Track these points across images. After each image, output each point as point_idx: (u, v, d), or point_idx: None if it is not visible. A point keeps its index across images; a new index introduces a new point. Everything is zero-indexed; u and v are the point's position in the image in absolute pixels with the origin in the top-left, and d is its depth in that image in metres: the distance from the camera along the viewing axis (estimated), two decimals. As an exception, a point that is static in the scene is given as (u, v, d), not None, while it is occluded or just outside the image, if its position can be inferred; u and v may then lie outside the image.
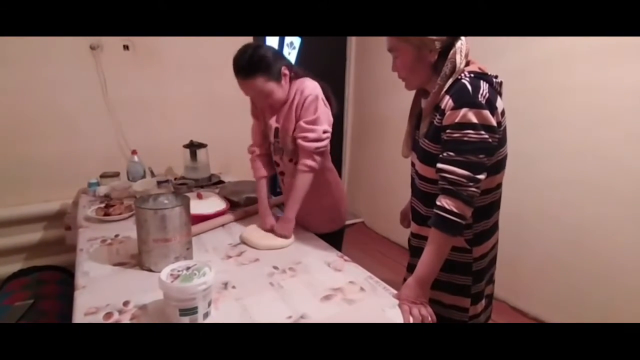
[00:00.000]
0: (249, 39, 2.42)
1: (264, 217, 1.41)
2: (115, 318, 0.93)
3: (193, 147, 2.05)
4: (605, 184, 1.72)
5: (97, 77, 2.06)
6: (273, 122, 1.38)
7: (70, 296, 1.03)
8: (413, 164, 1.11)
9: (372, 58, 2.87)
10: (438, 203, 0.93)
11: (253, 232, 1.38)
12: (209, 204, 1.60)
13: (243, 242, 1.34)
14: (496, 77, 0.99)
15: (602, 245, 1.76)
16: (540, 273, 2.03)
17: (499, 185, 1.04)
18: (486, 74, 0.97)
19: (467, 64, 0.98)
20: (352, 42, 3.04)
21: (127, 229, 1.41)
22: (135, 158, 2.00)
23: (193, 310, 0.88)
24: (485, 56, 2.11)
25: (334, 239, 1.44)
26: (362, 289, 1.07)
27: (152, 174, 2.07)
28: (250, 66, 1.23)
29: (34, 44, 1.89)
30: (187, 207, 1.16)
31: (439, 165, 0.94)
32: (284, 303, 1.00)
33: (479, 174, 0.91)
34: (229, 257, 1.26)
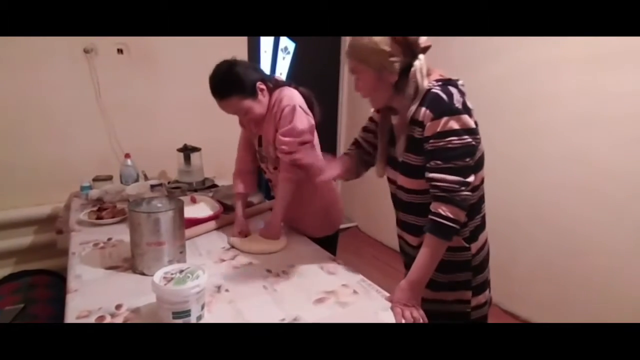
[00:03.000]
0: (243, 39, 2.45)
1: (235, 226, 1.42)
2: (107, 321, 0.93)
3: (187, 150, 2.05)
4: (596, 188, 1.75)
5: (91, 81, 2.05)
6: (256, 131, 1.41)
7: (62, 300, 1.03)
8: (393, 181, 1.12)
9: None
10: (433, 210, 0.95)
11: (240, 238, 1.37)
12: (203, 207, 1.60)
13: (233, 247, 1.34)
14: (458, 80, 1.02)
15: (593, 249, 1.79)
16: (532, 277, 2.05)
17: (483, 181, 1.06)
18: (450, 79, 1.00)
19: (429, 72, 1.01)
20: (346, 45, 3.06)
21: (120, 233, 1.41)
22: (129, 161, 1.99)
23: (186, 313, 0.89)
24: (475, 62, 2.16)
25: (328, 243, 1.44)
26: (355, 292, 1.08)
27: (146, 178, 2.06)
28: (223, 87, 1.27)
29: (28, 47, 1.88)
30: (180, 210, 1.16)
31: (429, 174, 0.96)
32: (277, 306, 1.01)
33: (468, 177, 0.94)
34: (223, 260, 1.26)
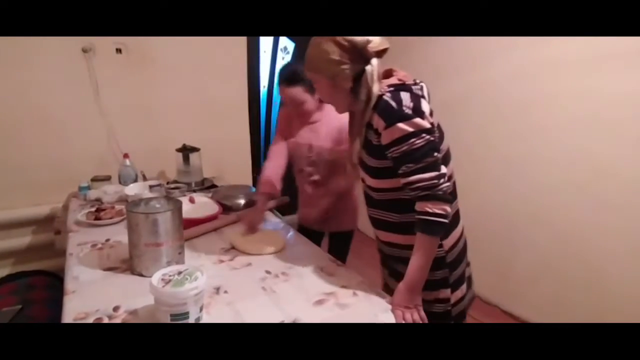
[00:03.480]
0: (243, 39, 2.44)
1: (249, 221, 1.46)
2: (105, 323, 0.92)
3: (186, 150, 2.04)
4: (595, 189, 1.74)
5: (89, 80, 2.04)
6: (308, 139, 1.52)
7: (60, 301, 1.02)
8: (363, 180, 1.15)
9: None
10: (418, 209, 0.97)
11: (244, 237, 1.37)
12: (202, 208, 1.59)
13: (234, 247, 1.33)
14: (416, 83, 1.04)
15: (592, 250, 1.78)
16: (532, 278, 2.04)
17: (450, 178, 1.07)
18: (404, 83, 1.02)
19: (389, 74, 1.04)
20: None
21: (118, 234, 1.40)
22: (127, 162, 1.98)
23: (184, 316, 0.88)
24: (474, 63, 2.15)
25: (349, 237, 1.72)
26: (355, 293, 1.07)
27: (144, 178, 2.06)
28: (295, 76, 1.40)
29: (25, 46, 1.87)
30: (179, 211, 1.15)
31: (404, 180, 0.98)
32: (277, 308, 1.00)
33: (441, 169, 0.97)
34: (221, 261, 1.25)
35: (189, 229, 1.38)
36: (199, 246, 1.35)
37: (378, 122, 0.98)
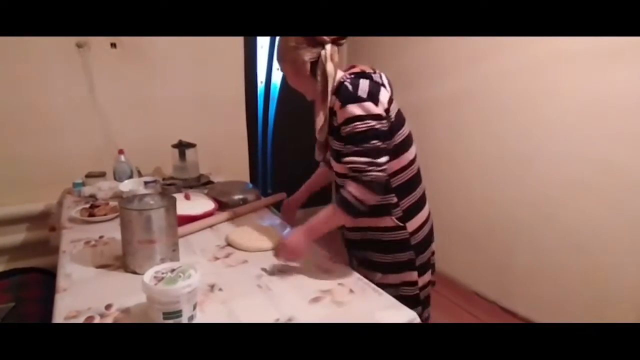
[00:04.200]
0: (239, 38, 2.42)
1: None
2: (96, 322, 0.90)
3: (182, 146, 2.02)
4: (595, 184, 1.73)
5: (84, 75, 2.02)
6: None
7: (53, 299, 1.00)
8: (330, 167, 1.21)
9: (363, 60, 2.86)
10: (345, 187, 1.05)
11: (240, 233, 1.35)
12: (197, 204, 1.57)
13: (230, 244, 1.32)
14: (375, 72, 1.13)
15: (592, 245, 1.77)
16: (531, 275, 2.03)
17: (412, 162, 1.16)
18: (365, 72, 1.12)
19: (351, 66, 1.15)
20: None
21: (112, 230, 1.38)
22: (122, 158, 1.96)
23: (177, 314, 0.86)
24: (473, 59, 2.13)
25: None
26: (351, 291, 1.06)
27: (140, 174, 2.04)
28: None
29: (18, 41, 1.83)
30: (173, 207, 1.14)
31: (343, 159, 1.06)
32: (272, 306, 0.98)
33: (378, 158, 1.03)
34: (217, 258, 1.23)
35: (184, 226, 1.36)
36: (194, 243, 1.33)
37: (335, 103, 1.06)
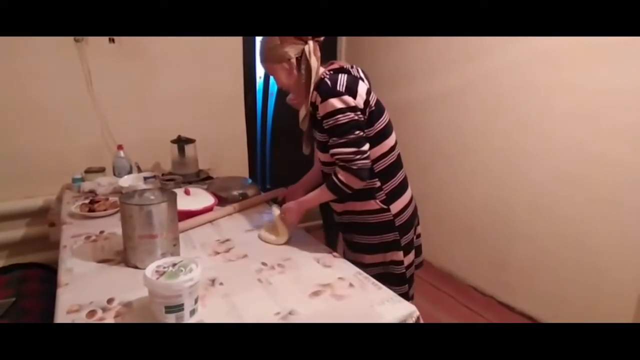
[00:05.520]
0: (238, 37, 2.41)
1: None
2: (98, 316, 0.91)
3: (181, 142, 2.02)
4: (592, 180, 1.74)
5: (82, 70, 2.01)
6: None
7: (54, 294, 1.01)
8: (317, 158, 1.32)
9: (363, 59, 2.85)
10: (335, 173, 1.15)
11: (268, 232, 1.35)
12: (197, 200, 1.57)
13: (265, 241, 1.32)
14: (353, 67, 1.23)
15: (590, 239, 1.78)
16: (528, 269, 2.05)
17: (393, 148, 1.25)
18: (343, 67, 1.20)
19: (331, 63, 1.23)
20: (343, 42, 3.02)
21: (113, 226, 1.38)
22: (122, 153, 1.96)
23: (179, 308, 0.87)
24: (470, 56, 2.13)
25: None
26: (351, 284, 1.07)
27: (139, 170, 2.03)
28: None
29: (15, 36, 1.83)
30: (173, 202, 1.14)
31: (331, 151, 1.15)
32: (273, 299, 0.99)
33: (361, 146, 1.12)
34: (217, 253, 1.24)
35: (184, 221, 1.37)
36: (194, 238, 1.34)
37: (316, 98, 1.14)
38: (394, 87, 2.56)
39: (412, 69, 2.48)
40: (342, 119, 1.10)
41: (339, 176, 1.14)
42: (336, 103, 1.09)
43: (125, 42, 2.08)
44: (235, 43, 2.41)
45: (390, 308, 0.97)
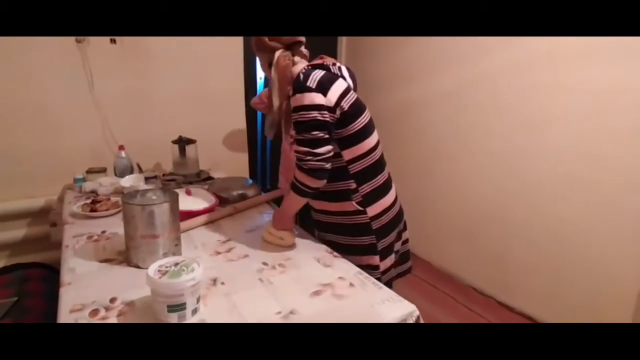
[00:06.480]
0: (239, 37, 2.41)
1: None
2: (101, 315, 0.92)
3: (182, 142, 2.03)
4: (591, 180, 1.75)
5: (83, 71, 2.02)
6: None
7: (56, 293, 1.02)
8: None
9: (362, 58, 2.87)
10: (294, 172, 1.13)
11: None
12: (198, 200, 1.58)
13: (270, 243, 1.30)
14: (334, 64, 1.20)
15: (588, 239, 1.79)
16: (527, 269, 2.06)
17: (372, 150, 1.21)
18: (324, 64, 1.17)
19: (317, 60, 1.21)
20: (343, 42, 3.03)
21: (114, 225, 1.39)
22: (123, 153, 1.97)
23: (181, 307, 0.88)
24: (470, 56, 2.14)
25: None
26: (351, 284, 1.08)
27: (140, 170, 2.04)
28: None
29: (17, 37, 1.84)
30: (175, 202, 1.15)
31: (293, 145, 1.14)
32: (274, 299, 1.00)
33: (316, 148, 1.08)
34: (218, 253, 1.25)
35: (186, 221, 1.38)
36: (195, 238, 1.35)
37: (289, 91, 1.13)
38: (393, 87, 2.57)
39: (411, 69, 2.48)
40: (305, 116, 1.08)
41: (295, 174, 1.13)
42: (303, 99, 1.08)
43: (127, 43, 2.09)
44: (236, 43, 2.42)
45: (390, 307, 0.98)
